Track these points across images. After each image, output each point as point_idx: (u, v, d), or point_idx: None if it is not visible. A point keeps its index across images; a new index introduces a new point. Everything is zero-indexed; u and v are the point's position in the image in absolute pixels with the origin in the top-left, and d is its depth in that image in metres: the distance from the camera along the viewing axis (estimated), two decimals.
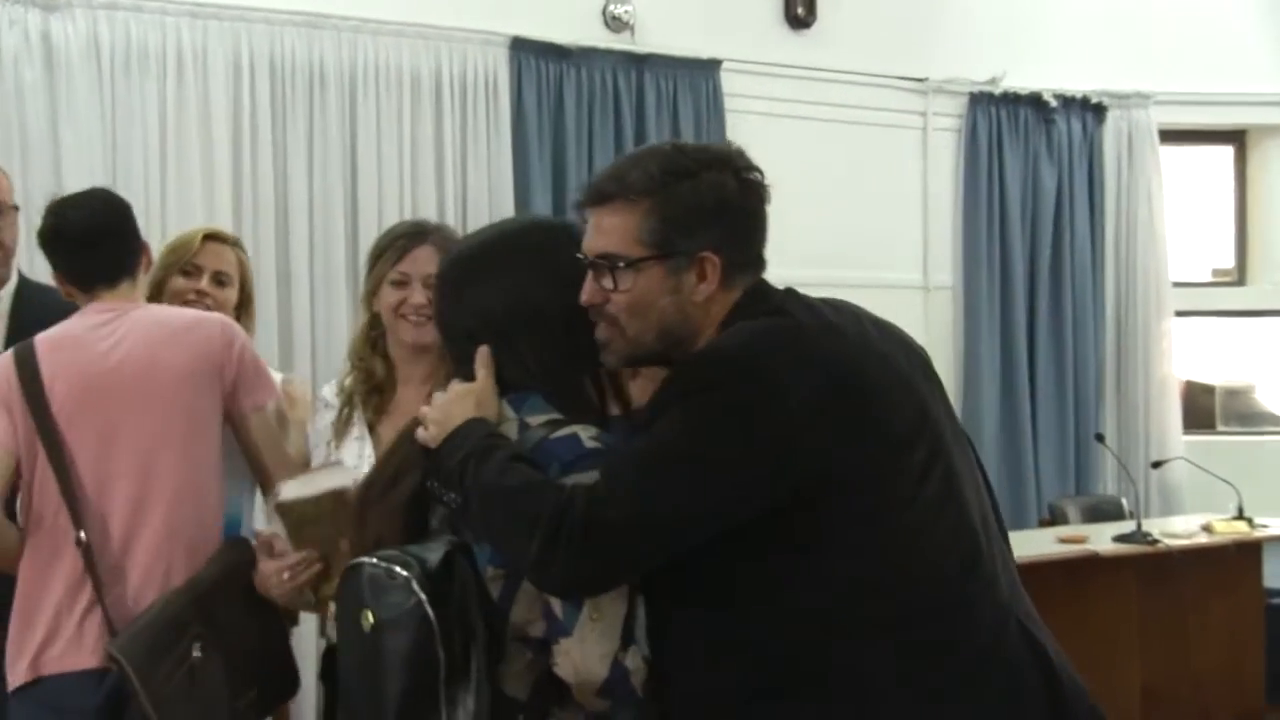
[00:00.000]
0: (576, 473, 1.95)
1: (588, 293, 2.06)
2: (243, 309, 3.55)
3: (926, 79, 7.41)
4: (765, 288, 2.10)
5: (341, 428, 3.01)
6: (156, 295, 3.40)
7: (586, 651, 1.91)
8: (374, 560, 1.96)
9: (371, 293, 2.99)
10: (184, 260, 3.48)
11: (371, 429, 2.99)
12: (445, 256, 2.28)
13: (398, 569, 1.92)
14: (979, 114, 7.49)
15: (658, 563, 1.92)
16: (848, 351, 1.97)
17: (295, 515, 2.74)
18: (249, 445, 3.07)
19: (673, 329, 2.03)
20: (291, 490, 2.74)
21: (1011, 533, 2.24)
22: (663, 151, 2.06)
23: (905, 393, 1.99)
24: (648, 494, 1.86)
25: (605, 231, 2.04)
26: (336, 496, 2.65)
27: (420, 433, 2.08)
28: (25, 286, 3.63)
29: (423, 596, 1.88)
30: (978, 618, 1.96)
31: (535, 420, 2.06)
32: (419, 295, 2.89)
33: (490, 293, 2.12)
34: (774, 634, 1.91)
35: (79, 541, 2.85)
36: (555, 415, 2.06)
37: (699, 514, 1.89)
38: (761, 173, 2.08)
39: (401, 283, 2.93)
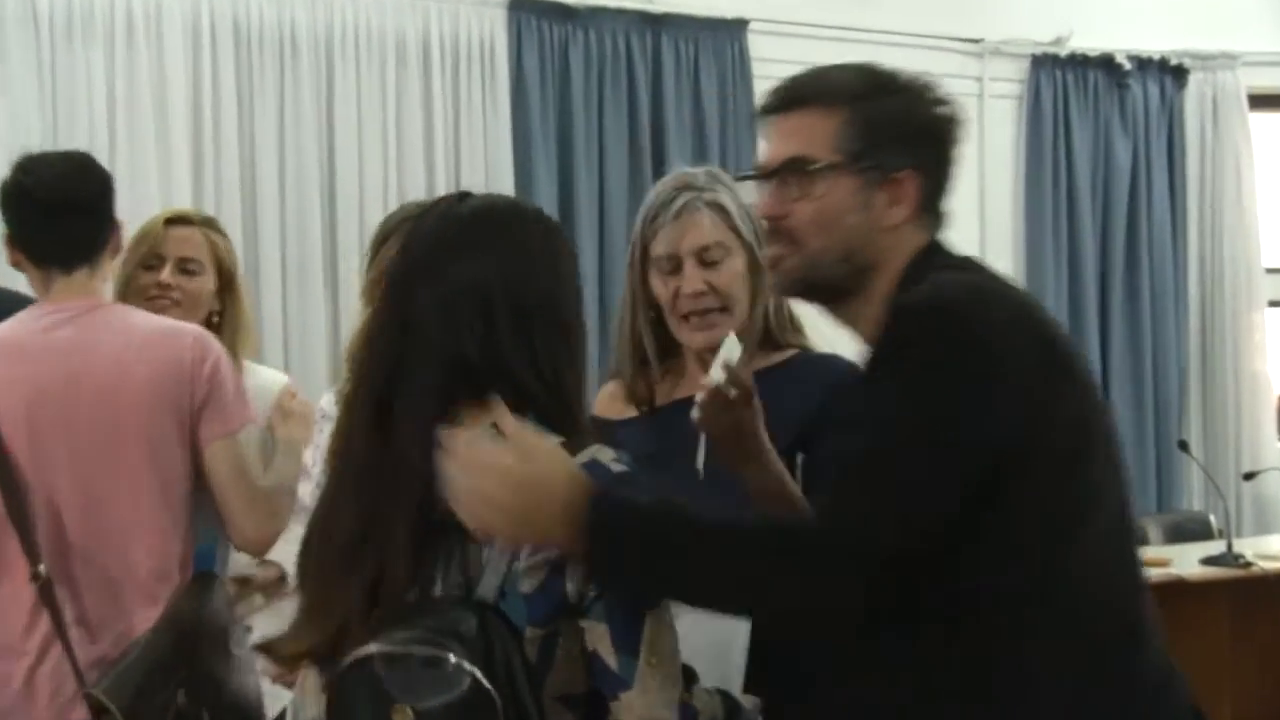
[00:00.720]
0: None
1: (767, 205, 2.07)
2: (227, 296, 3.39)
3: (982, 40, 7.32)
4: (944, 245, 2.10)
5: None
6: (124, 295, 3.26)
7: (650, 701, 1.87)
8: (395, 648, 1.79)
9: (374, 283, 2.89)
10: (146, 252, 3.30)
11: None
12: (447, 205, 2.06)
13: (439, 653, 1.77)
14: (1042, 78, 7.35)
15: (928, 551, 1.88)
16: (1051, 325, 1.99)
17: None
18: (210, 478, 2.92)
19: (855, 253, 2.03)
20: (265, 627, 2.72)
21: None
22: (857, 65, 2.10)
23: (1089, 390, 1.99)
24: (895, 487, 1.85)
25: (795, 135, 2.04)
26: None
27: (501, 544, 1.86)
28: None
29: (478, 674, 1.76)
30: (1147, 656, 1.98)
31: None
32: None
33: (524, 267, 1.96)
34: (947, 647, 1.91)
35: (36, 576, 2.73)
36: (558, 438, 1.92)
37: (945, 491, 1.85)
38: (958, 107, 2.10)
39: None
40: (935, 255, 2.06)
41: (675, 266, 2.51)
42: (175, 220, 3.38)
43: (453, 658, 1.75)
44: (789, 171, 2.04)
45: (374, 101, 5.90)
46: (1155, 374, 7.45)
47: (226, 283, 3.38)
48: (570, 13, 6.27)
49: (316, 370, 5.61)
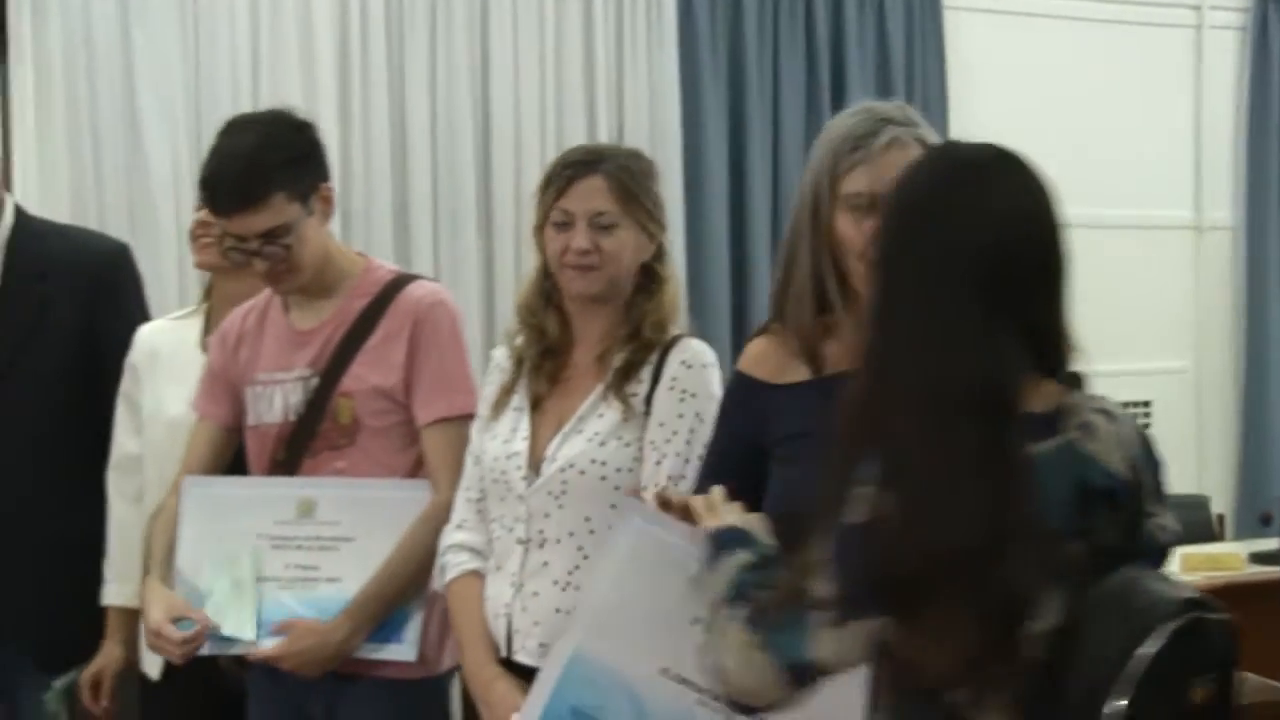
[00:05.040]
0: None
1: None
2: None
3: None
4: None
5: (502, 398, 2.92)
6: None
7: None
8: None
9: (538, 229, 2.92)
10: None
11: (538, 403, 2.88)
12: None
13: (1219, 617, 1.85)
14: (1271, 7, 7.08)
15: None
16: None
17: None
18: None
19: None
20: None
21: None
22: None
23: None
24: None
25: None
26: None
27: None
28: (22, 229, 3.58)
29: None
30: None
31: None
32: (582, 238, 2.80)
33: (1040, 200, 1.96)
34: None
35: None
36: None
37: None
38: None
39: (564, 224, 2.83)
40: None
41: (871, 205, 2.35)
42: None
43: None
44: None
45: (531, 39, 5.84)
46: None
47: None
48: None
49: (469, 319, 5.59)
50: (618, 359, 2.79)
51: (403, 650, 3.03)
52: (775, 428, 2.53)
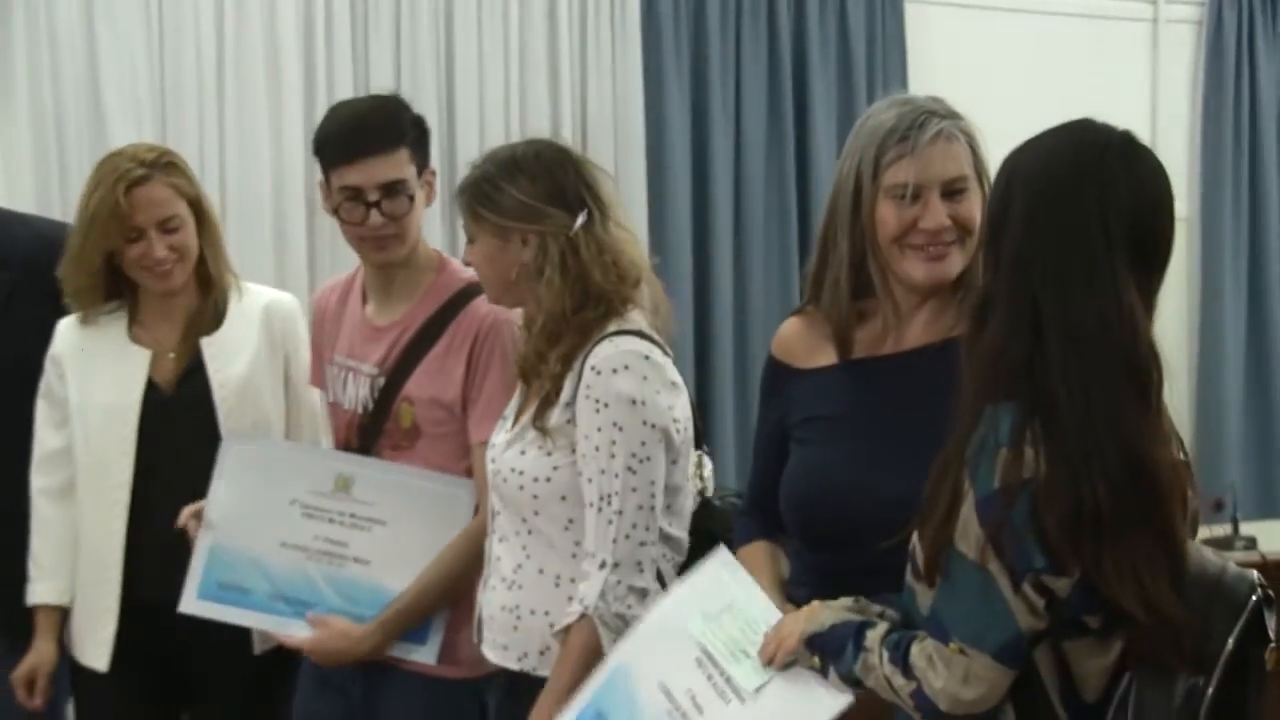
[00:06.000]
0: None
1: None
2: (201, 225, 3.36)
3: None
4: None
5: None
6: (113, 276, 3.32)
7: None
8: None
9: None
10: (121, 225, 3.25)
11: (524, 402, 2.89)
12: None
13: None
14: (1226, 3, 6.97)
15: None
16: None
17: None
18: None
19: None
20: None
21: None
22: None
23: None
24: None
25: None
26: None
27: None
28: None
29: None
30: None
31: None
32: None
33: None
34: None
35: None
36: None
37: None
38: None
39: None
40: None
41: (915, 196, 2.41)
42: (135, 182, 3.25)
43: None
44: None
45: (496, 35, 5.78)
46: None
47: (200, 213, 3.35)
48: None
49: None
50: (553, 368, 2.76)
51: (424, 652, 3.08)
52: (796, 411, 2.58)
